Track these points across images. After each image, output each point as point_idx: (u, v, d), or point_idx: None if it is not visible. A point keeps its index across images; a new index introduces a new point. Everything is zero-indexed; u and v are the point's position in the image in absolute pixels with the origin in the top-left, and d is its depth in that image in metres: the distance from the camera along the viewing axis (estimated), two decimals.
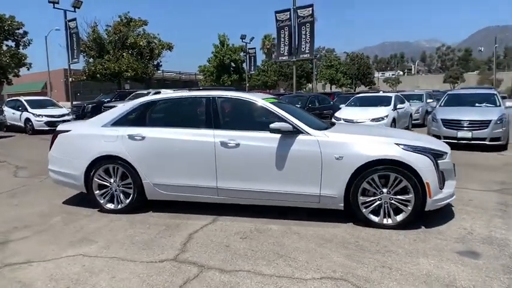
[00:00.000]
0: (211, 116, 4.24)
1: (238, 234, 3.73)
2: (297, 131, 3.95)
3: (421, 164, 3.67)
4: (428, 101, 15.26)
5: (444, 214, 4.11)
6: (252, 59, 35.42)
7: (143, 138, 4.29)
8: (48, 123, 14.73)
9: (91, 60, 24.21)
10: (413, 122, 13.63)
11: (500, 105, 9.43)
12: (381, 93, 13.96)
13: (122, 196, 4.45)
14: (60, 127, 4.85)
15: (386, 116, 10.68)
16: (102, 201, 4.50)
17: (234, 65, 39.34)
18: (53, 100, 18.02)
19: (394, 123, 10.98)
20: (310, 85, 54.12)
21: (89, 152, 4.44)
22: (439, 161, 3.79)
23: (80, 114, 17.67)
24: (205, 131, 4.18)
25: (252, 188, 4.05)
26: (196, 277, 2.87)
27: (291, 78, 52.41)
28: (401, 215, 3.78)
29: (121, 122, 4.50)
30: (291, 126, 3.93)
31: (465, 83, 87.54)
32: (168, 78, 49.31)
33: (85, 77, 24.29)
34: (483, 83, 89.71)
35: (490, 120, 8.33)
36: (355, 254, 3.23)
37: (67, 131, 4.68)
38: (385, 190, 3.78)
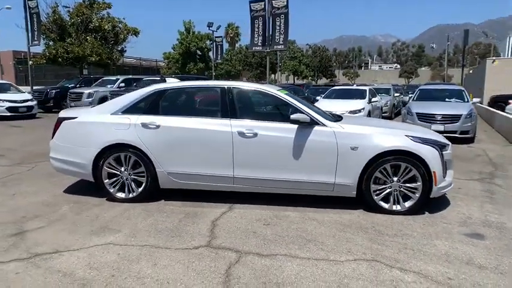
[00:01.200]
0: (227, 105, 4.29)
1: (260, 221, 3.85)
2: (314, 122, 4.11)
3: (430, 155, 3.99)
4: (396, 94, 16.10)
5: (441, 201, 4.49)
6: (219, 48, 35.06)
7: (158, 126, 4.25)
8: (10, 109, 13.78)
9: (51, 43, 22.69)
10: (382, 115, 14.35)
11: (468, 101, 10.23)
12: (354, 87, 14.50)
13: (133, 185, 4.39)
14: (63, 113, 4.65)
15: (363, 109, 11.17)
16: (112, 190, 4.41)
17: (200, 53, 38.69)
18: (13, 84, 16.80)
19: (369, 115, 11.51)
20: (273, 76, 54.61)
21: (98, 140, 4.32)
22: (443, 152, 4.13)
23: (43, 100, 16.68)
24: (222, 120, 4.23)
25: (268, 176, 4.17)
26: (238, 262, 2.97)
27: (256, 68, 52.88)
28: (409, 201, 4.09)
29: (132, 110, 4.41)
30: (308, 117, 4.09)
31: (419, 78, 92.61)
32: (128, 64, 47.42)
33: (45, 61, 22.76)
34: (435, 78, 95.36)
35: (461, 115, 9.03)
36: (376, 238, 3.48)
37: (72, 118, 4.50)
38: (395, 179, 4.06)
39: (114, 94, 14.65)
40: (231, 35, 51.71)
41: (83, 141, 4.40)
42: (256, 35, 17.42)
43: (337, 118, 4.58)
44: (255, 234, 3.53)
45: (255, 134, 4.11)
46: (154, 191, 4.42)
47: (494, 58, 31.22)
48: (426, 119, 9.30)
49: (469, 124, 9.03)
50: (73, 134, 4.48)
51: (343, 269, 2.88)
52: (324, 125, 4.12)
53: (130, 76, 18.17)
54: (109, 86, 16.47)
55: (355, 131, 4.11)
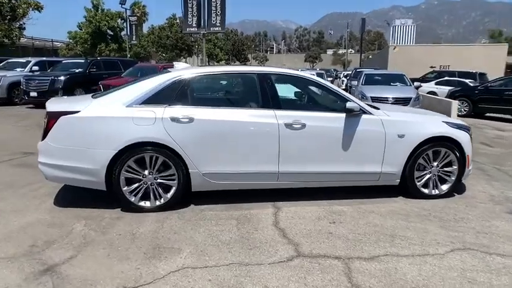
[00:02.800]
0: (268, 94, 3.83)
1: (322, 220, 3.57)
2: (362, 111, 3.93)
3: (464, 139, 4.15)
4: (329, 79, 16.90)
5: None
6: (134, 27, 32.24)
7: (191, 120, 3.59)
8: None
9: None
10: None
11: (411, 85, 11.15)
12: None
13: (160, 190, 3.68)
14: (54, 106, 3.62)
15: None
16: (133, 199, 3.63)
17: (111, 33, 35.03)
18: None
19: None
20: (184, 59, 52.57)
21: (114, 139, 3.48)
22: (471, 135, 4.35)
23: None
24: (265, 111, 3.77)
25: (316, 170, 3.89)
26: (350, 269, 2.68)
27: (172, 50, 50.23)
28: (445, 185, 4.23)
29: (153, 100, 3.64)
30: (358, 106, 3.89)
31: (322, 62, 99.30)
32: (17, 44, 40.35)
33: None
34: (336, 63, 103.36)
35: (411, 98, 9.80)
36: (444, 225, 3.51)
37: (73, 112, 3.53)
38: (435, 164, 4.15)
39: (30, 79, 12.44)
40: (138, 14, 47.94)
41: (92, 142, 3.50)
42: (190, 16, 16.34)
43: (375, 106, 4.45)
44: (331, 235, 3.25)
45: (303, 125, 3.77)
46: (182, 196, 3.78)
47: (394, 45, 35.03)
48: (380, 102, 9.85)
49: (418, 106, 9.87)
50: (76, 132, 3.53)
51: (454, 262, 2.82)
52: (370, 113, 3.97)
53: (44, 58, 15.48)
54: (18, 69, 13.82)
55: (400, 119, 4.06)
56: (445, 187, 4.22)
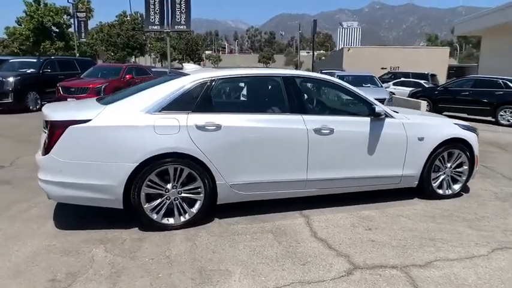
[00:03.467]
0: (294, 98, 3.66)
1: (357, 227, 3.49)
2: (385, 115, 3.90)
3: (473, 140, 4.30)
4: None
5: None
6: (82, 24, 30.22)
7: (218, 127, 3.32)
8: None
9: None
10: None
11: (381, 86, 11.53)
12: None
13: (185, 205, 3.37)
14: (64, 115, 3.15)
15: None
16: (155, 217, 3.28)
17: (57, 30, 32.57)
18: None
19: None
20: (134, 59, 50.56)
21: (134, 150, 3.12)
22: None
23: None
24: (293, 116, 3.60)
25: (343, 176, 3.80)
26: (414, 279, 2.61)
27: (123, 49, 47.91)
28: (457, 185, 4.35)
29: (173, 107, 3.32)
30: (384, 109, 3.86)
31: (275, 63, 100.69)
32: None
33: None
34: (289, 63, 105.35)
35: (385, 98, 10.12)
36: (471, 225, 3.59)
37: (84, 121, 3.10)
38: (448, 165, 4.25)
39: None
40: (82, 10, 45.12)
41: (107, 155, 3.11)
42: (152, 13, 15.56)
43: (394, 110, 4.43)
44: (375, 243, 3.17)
45: (332, 131, 3.66)
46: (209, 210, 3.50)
47: (349, 47, 36.35)
48: None
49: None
50: (88, 144, 3.10)
51: (501, 263, 2.87)
52: (392, 117, 3.96)
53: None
54: None
55: (419, 122, 4.11)
56: (457, 187, 4.34)
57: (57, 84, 11.27)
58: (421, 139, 4.00)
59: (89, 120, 3.10)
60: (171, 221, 3.35)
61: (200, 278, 2.58)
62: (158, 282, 2.54)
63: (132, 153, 3.12)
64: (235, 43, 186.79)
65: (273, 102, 3.75)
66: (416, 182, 4.15)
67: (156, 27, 15.83)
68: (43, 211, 3.75)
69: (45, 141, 3.12)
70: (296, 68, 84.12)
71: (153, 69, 16.37)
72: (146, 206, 3.24)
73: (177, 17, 15.62)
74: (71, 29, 32.23)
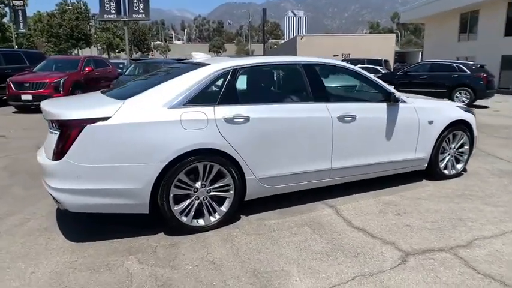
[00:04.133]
0: (317, 86, 3.55)
1: (385, 213, 3.49)
2: (401, 100, 3.93)
3: (473, 121, 4.50)
4: None
5: None
6: (20, 13, 27.52)
7: (246, 120, 3.12)
8: None
9: None
10: None
11: None
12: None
13: (214, 204, 3.15)
14: (77, 113, 2.75)
15: None
16: (185, 220, 3.03)
17: None
18: None
19: None
20: (76, 51, 47.32)
21: (161, 149, 2.84)
22: None
23: None
24: (317, 104, 3.49)
25: (364, 162, 3.79)
26: (466, 260, 2.64)
27: (66, 41, 44.44)
28: (459, 164, 4.54)
29: (198, 99, 3.06)
30: (399, 95, 3.87)
31: (226, 52, 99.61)
32: None
33: None
34: (240, 52, 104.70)
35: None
36: (486, 202, 3.75)
37: (102, 118, 2.74)
38: (453, 146, 4.41)
39: None
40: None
41: (131, 155, 2.79)
42: (107, 1, 14.54)
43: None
44: (411, 227, 3.20)
45: (354, 118, 3.61)
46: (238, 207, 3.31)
47: (302, 35, 36.81)
48: None
49: None
50: (109, 145, 2.76)
51: None
52: (405, 101, 4.00)
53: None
54: None
55: (428, 106, 4.19)
56: (459, 166, 4.53)
57: (8, 80, 10.17)
58: (430, 122, 4.09)
59: (108, 117, 2.75)
60: (201, 222, 3.11)
61: (259, 282, 2.42)
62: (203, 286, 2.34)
63: (159, 152, 2.83)
64: (183, 33, 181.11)
65: (296, 91, 3.61)
66: (426, 164, 4.26)
67: (112, 16, 14.91)
68: (43, 223, 3.33)
69: (57, 143, 2.73)
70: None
71: (111, 61, 15.34)
72: (176, 208, 2.98)
73: (135, 5, 14.82)
74: (6, 19, 29.29)
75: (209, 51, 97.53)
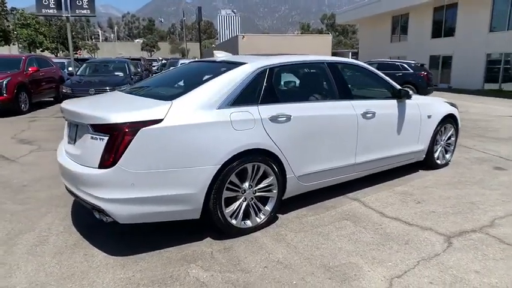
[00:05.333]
0: (342, 84, 3.69)
1: (407, 202, 3.75)
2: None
3: (457, 114, 4.99)
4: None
5: None
6: None
7: (288, 118, 3.15)
8: None
9: None
10: None
11: None
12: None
13: (260, 205, 3.12)
14: (129, 115, 2.52)
15: None
16: (234, 222, 2.96)
17: None
18: None
19: None
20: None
21: (215, 150, 2.75)
22: None
23: None
24: (344, 102, 3.63)
25: (381, 156, 4.02)
26: (500, 239, 2.96)
27: None
28: (448, 154, 5.02)
29: (242, 99, 3.00)
30: (407, 92, 4.17)
31: (160, 51, 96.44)
32: None
33: None
34: (175, 51, 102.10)
35: None
36: (483, 186, 4.22)
37: (156, 121, 2.57)
38: (443, 138, 4.86)
39: None
40: None
41: (185, 159, 2.66)
42: None
43: None
44: (436, 213, 3.48)
45: (374, 114, 3.81)
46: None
47: (243, 35, 37.06)
48: None
49: None
50: (164, 149, 2.59)
51: None
52: (410, 98, 4.31)
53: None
54: None
55: (426, 102, 4.56)
56: (448, 156, 5.01)
57: None
58: (429, 117, 4.48)
59: (161, 119, 2.59)
60: (249, 223, 3.07)
61: (336, 276, 2.47)
62: (296, 282, 2.34)
63: (213, 155, 2.73)
64: (110, 31, 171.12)
65: (325, 89, 3.71)
66: (424, 156, 4.65)
67: (51, 11, 13.63)
68: (67, 239, 3.02)
69: (106, 150, 2.49)
70: (183, 56, 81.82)
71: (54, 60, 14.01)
72: (227, 211, 2.91)
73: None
74: None
75: (141, 49, 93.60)
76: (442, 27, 21.57)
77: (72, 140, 2.94)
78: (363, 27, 31.31)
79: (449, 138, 4.95)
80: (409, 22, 24.24)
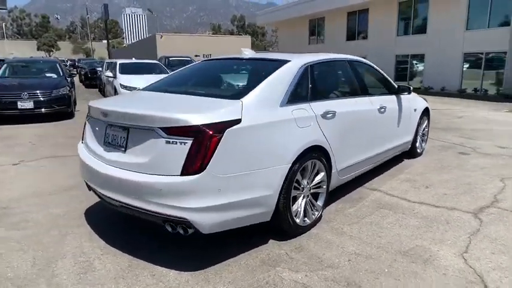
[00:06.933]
0: (361, 81, 3.91)
1: (419, 188, 4.12)
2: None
3: (430, 108, 5.62)
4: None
5: None
6: None
7: (334, 114, 3.23)
8: None
9: None
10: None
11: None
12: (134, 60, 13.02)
13: (314, 201, 3.14)
14: (211, 116, 2.30)
15: None
16: (298, 221, 2.94)
17: None
18: None
19: None
20: None
21: (286, 149, 2.71)
22: None
23: None
24: (366, 98, 3.87)
25: (388, 147, 4.34)
26: (510, 210, 3.46)
27: None
28: (424, 143, 5.62)
29: (296, 96, 2.98)
30: (404, 87, 4.56)
31: (61, 51, 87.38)
32: None
33: None
34: (78, 51, 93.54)
35: None
36: (463, 169, 4.83)
37: (236, 121, 2.41)
38: (421, 128, 5.43)
39: None
40: None
41: (262, 159, 2.56)
42: None
43: None
44: (448, 195, 3.89)
45: (385, 109, 4.11)
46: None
47: (161, 34, 35.78)
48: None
49: None
50: (243, 150, 2.45)
51: None
52: (404, 94, 4.72)
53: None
54: None
55: (411, 97, 5.03)
56: (424, 145, 5.61)
57: None
58: (415, 110, 4.98)
59: (239, 119, 2.45)
60: (307, 221, 3.07)
61: (417, 259, 2.63)
62: (399, 274, 2.44)
63: (285, 153, 2.69)
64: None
65: (351, 85, 3.86)
66: (410, 145, 5.14)
67: None
68: (115, 260, 2.65)
69: (192, 154, 2.26)
70: (87, 56, 75.42)
71: None
72: (293, 210, 2.87)
73: None
74: None
75: (38, 49, 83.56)
76: (356, 31, 23.73)
77: (119, 146, 2.59)
78: (281, 29, 32.70)
79: (424, 129, 5.56)
80: (326, 26, 26.11)
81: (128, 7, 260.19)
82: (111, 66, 11.82)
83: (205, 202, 2.30)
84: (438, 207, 3.56)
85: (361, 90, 3.85)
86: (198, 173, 2.26)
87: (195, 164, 2.26)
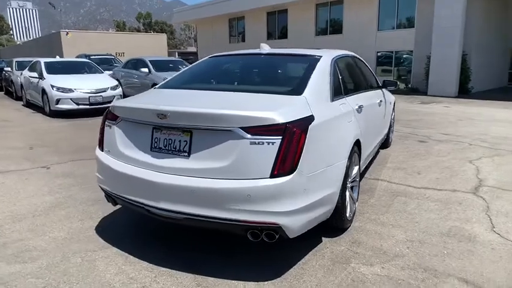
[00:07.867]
0: (365, 76, 4.06)
1: (412, 174, 4.45)
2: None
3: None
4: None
5: None
6: None
7: (361, 108, 3.31)
8: None
9: None
10: None
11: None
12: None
13: (352, 194, 3.17)
14: (291, 113, 2.15)
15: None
16: (347, 215, 2.94)
17: None
18: None
19: None
20: None
21: (345, 143, 2.72)
22: None
23: None
24: (371, 92, 4.07)
25: (380, 138, 4.61)
26: (502, 188, 3.96)
27: None
28: (391, 133, 6.08)
29: (336, 91, 2.97)
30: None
31: None
32: None
33: None
34: None
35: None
36: (437, 155, 5.35)
37: (311, 117, 2.29)
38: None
39: None
40: None
41: (330, 155, 2.51)
42: None
43: None
44: (440, 179, 4.28)
45: (381, 102, 4.36)
46: None
47: (67, 31, 32.36)
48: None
49: None
50: (319, 147, 2.35)
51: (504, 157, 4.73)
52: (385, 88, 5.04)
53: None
54: None
55: (385, 92, 5.39)
56: (391, 136, 6.08)
57: None
58: (390, 103, 5.36)
59: (312, 116, 2.35)
60: (350, 214, 3.09)
61: (462, 239, 2.84)
62: (459, 254, 2.61)
63: (344, 148, 2.68)
64: None
65: (363, 80, 3.99)
66: (385, 137, 5.52)
67: None
68: (175, 281, 2.34)
69: (282, 154, 2.08)
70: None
71: None
72: (346, 204, 2.87)
73: None
74: None
75: None
76: (276, 30, 24.58)
77: (178, 151, 2.29)
78: (201, 27, 32.18)
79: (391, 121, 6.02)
80: (246, 25, 26.49)
81: (14, 0, 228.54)
82: (33, 66, 10.32)
83: (296, 204, 2.16)
84: (442, 191, 3.90)
85: (368, 84, 4.02)
86: (289, 174, 2.11)
87: (285, 164, 2.10)
